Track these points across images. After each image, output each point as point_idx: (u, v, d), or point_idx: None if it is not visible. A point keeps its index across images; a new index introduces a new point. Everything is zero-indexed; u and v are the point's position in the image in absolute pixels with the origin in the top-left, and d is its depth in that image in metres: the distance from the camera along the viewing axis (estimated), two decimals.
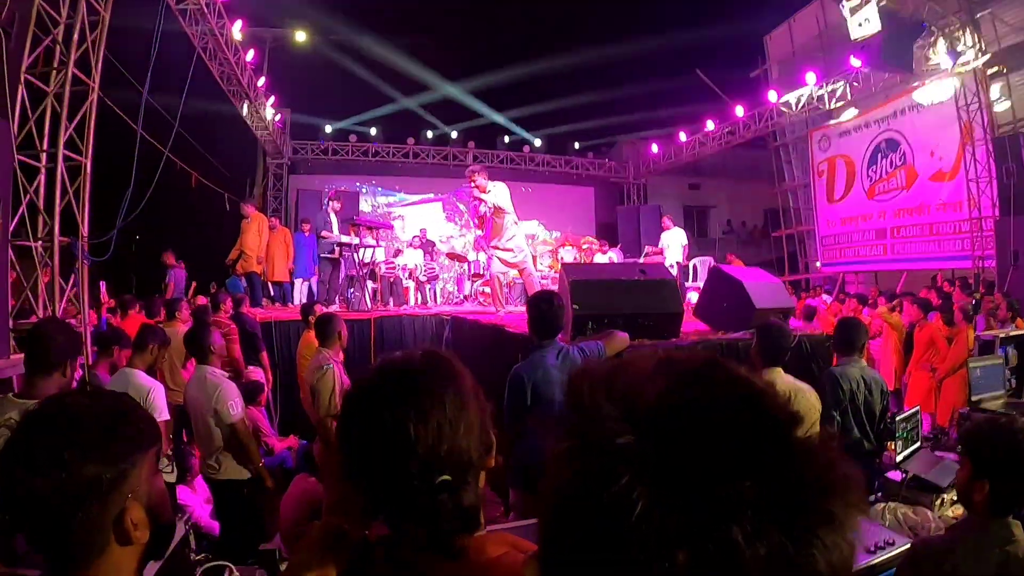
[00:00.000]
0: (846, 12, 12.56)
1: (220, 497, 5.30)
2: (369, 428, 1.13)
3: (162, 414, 4.61)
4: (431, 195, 22.51)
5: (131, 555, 1.22)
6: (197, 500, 5.93)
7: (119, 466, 1.17)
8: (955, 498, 3.88)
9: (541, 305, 4.06)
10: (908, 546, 3.01)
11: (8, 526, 1.16)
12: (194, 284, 13.32)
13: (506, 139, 23.54)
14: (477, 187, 8.33)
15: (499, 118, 22.20)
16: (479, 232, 9.25)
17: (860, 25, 12.30)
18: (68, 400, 1.26)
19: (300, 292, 14.07)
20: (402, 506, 1.11)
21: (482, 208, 8.35)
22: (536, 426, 3.65)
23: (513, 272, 9.52)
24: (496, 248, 8.61)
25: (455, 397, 1.18)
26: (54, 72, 6.83)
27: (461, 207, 21.70)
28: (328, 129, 21.39)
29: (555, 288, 7.97)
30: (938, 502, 3.88)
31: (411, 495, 1.09)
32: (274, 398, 8.69)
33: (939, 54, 13.47)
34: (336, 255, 11.89)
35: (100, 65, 7.28)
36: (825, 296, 15.28)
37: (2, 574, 2.25)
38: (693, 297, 10.58)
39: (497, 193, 8.33)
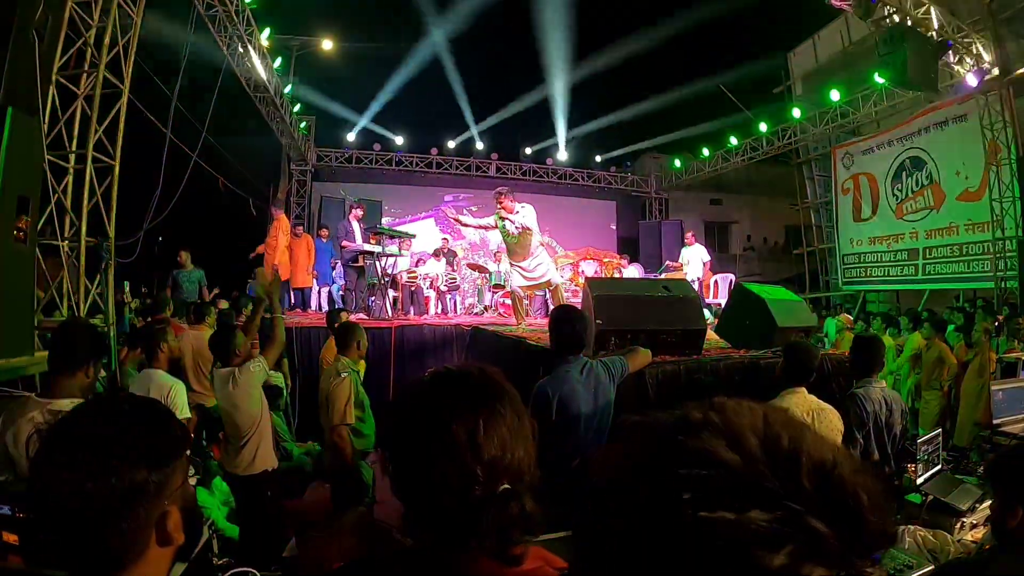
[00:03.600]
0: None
1: (243, 495, 5.29)
2: (436, 438, 1.16)
3: (183, 412, 4.64)
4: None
5: (166, 557, 1.24)
6: (215, 503, 5.95)
7: (163, 470, 1.20)
8: (975, 522, 3.85)
9: (564, 320, 4.04)
10: (930, 569, 2.99)
11: (37, 527, 1.18)
12: (216, 290, 13.03)
13: (528, 151, 23.56)
14: (504, 208, 8.40)
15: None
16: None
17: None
18: (108, 405, 1.29)
19: (317, 298, 14.14)
20: (463, 513, 1.13)
21: (509, 227, 8.40)
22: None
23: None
24: (521, 268, 8.67)
25: (512, 409, 1.23)
26: (84, 75, 6.92)
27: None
28: (351, 137, 21.46)
29: (578, 301, 7.98)
30: (957, 525, 3.84)
31: (475, 502, 1.12)
32: (293, 403, 8.71)
33: (964, 72, 13.38)
34: (361, 263, 11.90)
35: (131, 68, 7.37)
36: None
37: (28, 574, 2.27)
38: (710, 314, 10.59)
39: (525, 214, 8.42)
